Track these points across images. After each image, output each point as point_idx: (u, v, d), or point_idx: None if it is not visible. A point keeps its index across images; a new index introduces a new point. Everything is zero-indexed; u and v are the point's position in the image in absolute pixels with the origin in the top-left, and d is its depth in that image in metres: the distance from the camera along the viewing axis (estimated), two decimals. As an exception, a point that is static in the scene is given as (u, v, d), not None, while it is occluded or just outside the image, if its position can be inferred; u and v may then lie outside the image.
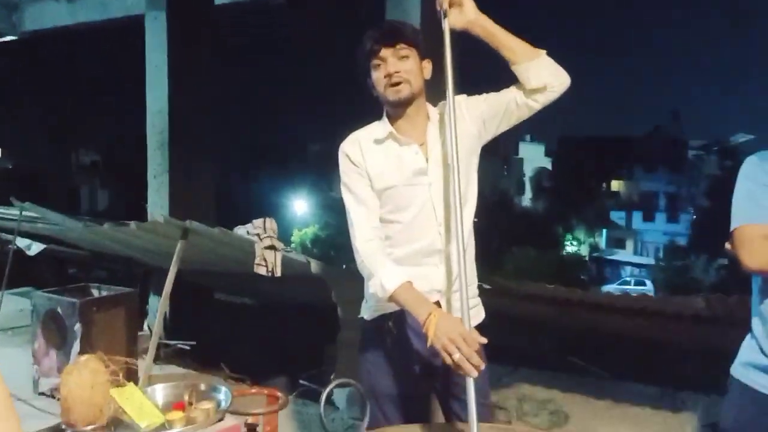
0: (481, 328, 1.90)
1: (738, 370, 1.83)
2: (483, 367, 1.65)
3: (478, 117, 2.00)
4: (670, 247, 32.75)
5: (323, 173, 38.27)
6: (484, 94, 2.02)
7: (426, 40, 1.99)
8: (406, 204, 1.97)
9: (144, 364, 4.45)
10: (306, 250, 30.94)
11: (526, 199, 38.65)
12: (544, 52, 1.95)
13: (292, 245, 30.76)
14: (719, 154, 32.48)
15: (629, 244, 39.26)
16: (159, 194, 5.68)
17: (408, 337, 1.99)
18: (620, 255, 37.67)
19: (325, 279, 3.61)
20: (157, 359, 5.10)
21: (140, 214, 5.96)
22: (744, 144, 36.96)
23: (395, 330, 1.99)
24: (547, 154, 41.07)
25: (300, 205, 34.37)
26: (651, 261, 34.77)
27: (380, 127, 2.02)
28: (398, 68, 1.92)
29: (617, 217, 39.04)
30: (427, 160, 1.97)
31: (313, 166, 36.97)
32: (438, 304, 1.96)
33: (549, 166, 40.23)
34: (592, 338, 4.44)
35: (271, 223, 3.53)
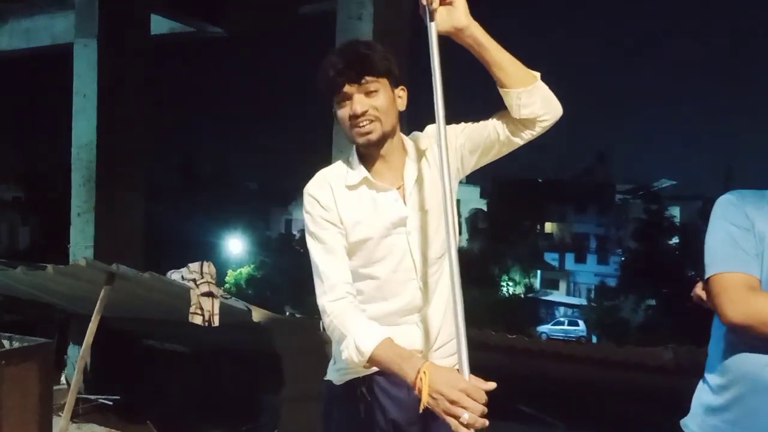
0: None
1: (689, 421, 1.72)
2: (486, 425, 1.39)
3: (457, 150, 1.76)
4: (601, 288, 33.59)
5: (259, 212, 37.71)
6: (463, 124, 1.77)
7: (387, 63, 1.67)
8: (381, 256, 1.72)
9: (60, 424, 4.01)
10: (241, 290, 30.12)
11: (464, 240, 39.08)
12: (538, 75, 1.68)
13: (227, 285, 29.90)
14: (644, 198, 33.81)
15: (562, 285, 40.13)
16: (83, 234, 5.27)
17: (383, 405, 1.74)
18: (554, 296, 38.40)
19: (268, 328, 3.32)
20: (75, 417, 4.65)
21: (63, 256, 5.53)
22: (666, 189, 38.75)
23: (369, 396, 1.74)
24: (482, 195, 41.82)
25: (235, 244, 33.55)
26: (583, 301, 35.56)
27: (352, 171, 1.74)
28: (365, 107, 1.64)
29: (551, 258, 39.93)
30: (405, 204, 1.73)
31: (249, 204, 36.32)
32: None
33: (485, 208, 40.93)
34: (545, 386, 4.27)
35: (208, 267, 3.23)
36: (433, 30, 1.59)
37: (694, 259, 28.38)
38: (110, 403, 4.93)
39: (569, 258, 40.37)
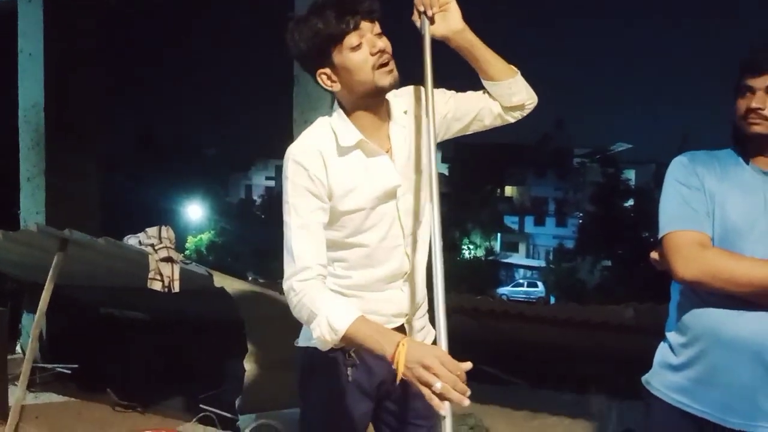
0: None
1: (651, 378, 1.76)
2: (468, 393, 1.34)
3: (440, 115, 1.73)
4: (559, 250, 34.29)
5: (219, 177, 37.10)
6: (451, 91, 1.77)
7: None
8: (371, 225, 1.65)
9: (16, 393, 3.90)
10: (201, 257, 29.81)
11: (424, 204, 39.22)
12: (518, 70, 1.79)
13: (187, 252, 29.52)
14: (601, 162, 34.38)
15: (522, 248, 40.82)
16: (34, 199, 5.05)
17: (369, 366, 1.71)
18: (514, 258, 39.07)
19: (230, 293, 3.24)
20: (32, 386, 4.55)
21: (13, 222, 5.32)
22: (623, 152, 39.45)
23: (358, 358, 1.70)
24: (444, 160, 41.97)
25: (194, 210, 33.03)
26: (542, 263, 36.29)
27: (343, 132, 1.62)
28: (385, 44, 1.56)
29: (511, 221, 40.49)
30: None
31: (209, 169, 35.69)
32: (402, 329, 1.71)
33: (446, 172, 41.13)
34: (508, 347, 4.34)
35: (167, 232, 3.13)
36: (428, 34, 1.64)
37: (649, 221, 29.20)
38: (68, 371, 4.82)
39: (529, 221, 41.02)
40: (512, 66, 1.78)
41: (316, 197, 1.58)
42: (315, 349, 1.68)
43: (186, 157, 34.18)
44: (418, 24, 1.68)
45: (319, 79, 1.62)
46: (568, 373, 4.34)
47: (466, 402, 1.33)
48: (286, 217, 1.59)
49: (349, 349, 1.68)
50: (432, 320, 1.86)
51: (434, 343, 1.84)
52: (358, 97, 1.61)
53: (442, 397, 1.32)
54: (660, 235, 1.67)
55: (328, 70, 1.59)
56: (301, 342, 1.78)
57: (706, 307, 1.63)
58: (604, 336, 3.18)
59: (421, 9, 1.66)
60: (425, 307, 1.82)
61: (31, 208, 5.06)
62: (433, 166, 1.60)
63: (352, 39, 1.54)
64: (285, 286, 1.56)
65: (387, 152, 1.66)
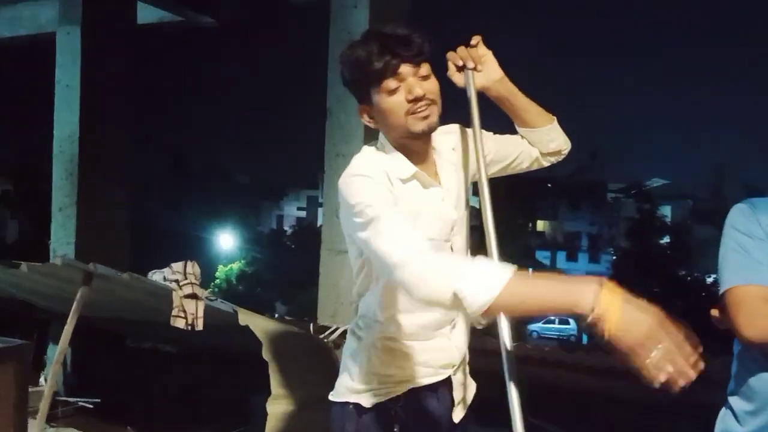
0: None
1: None
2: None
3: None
4: (592, 287, 33.63)
5: (250, 206, 37.46)
6: (489, 132, 1.73)
7: None
8: None
9: (35, 427, 3.83)
10: (231, 286, 29.90)
11: (455, 237, 39.03)
12: (554, 117, 1.79)
13: (217, 281, 29.66)
14: (636, 197, 33.89)
15: (554, 283, 40.16)
16: (65, 229, 5.07)
17: (416, 423, 1.58)
18: (545, 294, 38.44)
19: (255, 332, 3.14)
20: (53, 420, 4.48)
21: (44, 252, 5.34)
22: (658, 188, 38.81)
23: (405, 415, 1.56)
24: (475, 193, 41.83)
25: (225, 239, 33.29)
26: (575, 300, 35.58)
27: (398, 163, 1.54)
28: (424, 90, 1.50)
29: (542, 256, 39.97)
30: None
31: (240, 198, 36.07)
32: (448, 382, 1.62)
33: (477, 205, 40.94)
34: (543, 392, 4.12)
35: (193, 267, 3.05)
36: (473, 87, 1.62)
37: (685, 258, 28.55)
38: (91, 406, 4.75)
39: (561, 256, 40.43)
40: (549, 113, 1.78)
41: (395, 200, 1.44)
42: (356, 405, 1.58)
43: (219, 185, 34.64)
44: (455, 80, 1.66)
45: (359, 113, 1.59)
46: (608, 422, 4.12)
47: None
48: (370, 213, 1.38)
49: (392, 405, 1.56)
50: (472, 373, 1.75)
51: (470, 404, 1.72)
52: (398, 136, 1.56)
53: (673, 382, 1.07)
54: (721, 291, 1.52)
55: (367, 107, 1.56)
56: (337, 396, 1.64)
57: None
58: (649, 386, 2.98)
59: (460, 63, 1.64)
60: (467, 357, 1.73)
61: (62, 238, 5.09)
62: (491, 229, 1.51)
63: (390, 83, 1.49)
64: (398, 255, 1.29)
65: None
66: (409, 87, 1.49)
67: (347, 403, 1.60)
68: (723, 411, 1.61)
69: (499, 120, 1.79)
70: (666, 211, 34.32)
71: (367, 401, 1.59)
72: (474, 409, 1.76)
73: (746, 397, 1.53)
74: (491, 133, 1.75)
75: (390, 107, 1.50)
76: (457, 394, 1.67)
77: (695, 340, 1.11)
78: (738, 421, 1.54)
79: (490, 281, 1.20)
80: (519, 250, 36.56)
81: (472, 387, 1.75)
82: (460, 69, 1.65)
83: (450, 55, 1.66)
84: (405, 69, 1.48)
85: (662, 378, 1.07)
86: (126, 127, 5.48)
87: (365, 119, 1.58)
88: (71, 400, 4.78)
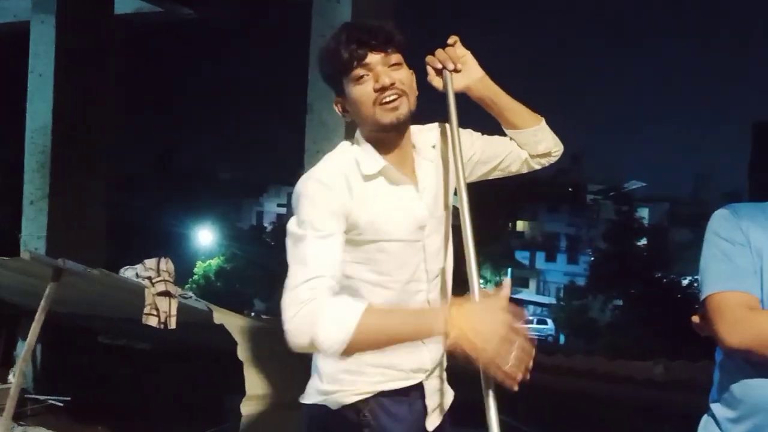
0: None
1: None
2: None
3: (466, 157, 1.63)
4: (570, 288, 33.91)
5: (231, 203, 37.15)
6: (477, 133, 1.69)
7: None
8: (399, 264, 1.51)
9: (1, 425, 3.72)
10: (209, 282, 29.62)
11: (435, 237, 39.10)
12: (542, 118, 1.74)
13: (195, 277, 29.38)
14: (614, 199, 34.20)
15: (532, 283, 40.42)
16: (36, 223, 4.95)
17: (385, 427, 1.53)
18: (524, 294, 38.66)
19: (230, 331, 3.07)
20: (22, 418, 4.37)
21: (15, 245, 5.20)
22: (637, 191, 39.23)
23: (373, 419, 1.52)
24: (455, 192, 41.93)
25: (205, 235, 32.99)
26: (552, 300, 35.86)
27: (367, 159, 1.51)
28: (393, 79, 1.46)
29: (522, 257, 40.18)
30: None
31: (222, 194, 35.77)
32: (420, 387, 1.57)
33: (457, 205, 41.02)
34: (523, 394, 4.10)
35: (166, 264, 2.97)
36: (451, 88, 1.59)
37: (662, 260, 28.87)
38: (61, 404, 4.64)
39: (540, 257, 40.67)
40: (536, 114, 1.73)
41: (336, 217, 1.42)
42: (324, 407, 1.54)
43: (200, 181, 34.30)
44: (435, 84, 1.62)
45: (334, 106, 1.56)
46: (583, 422, 4.12)
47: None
48: (296, 231, 1.40)
49: (361, 408, 1.52)
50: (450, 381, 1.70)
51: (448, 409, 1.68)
52: (369, 129, 1.52)
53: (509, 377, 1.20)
54: (702, 297, 1.49)
55: (341, 99, 1.53)
56: (307, 397, 1.60)
57: (758, 377, 1.44)
58: (629, 388, 2.97)
59: (439, 66, 1.61)
60: (444, 364, 1.67)
61: (33, 233, 4.97)
62: (468, 228, 1.48)
63: (357, 71, 1.46)
64: (288, 297, 1.32)
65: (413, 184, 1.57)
66: (377, 75, 1.46)
67: (316, 405, 1.57)
68: (705, 418, 1.58)
69: (489, 122, 1.75)
70: (644, 213, 34.69)
71: (334, 403, 1.55)
72: (453, 414, 1.72)
73: (728, 404, 1.50)
74: (479, 134, 1.71)
75: (358, 96, 1.47)
76: (431, 401, 1.60)
77: (532, 340, 1.22)
78: (720, 428, 1.52)
79: (343, 322, 1.24)
80: (499, 251, 36.73)
81: (449, 394, 1.70)
82: (439, 72, 1.62)
83: (428, 59, 1.63)
84: (373, 58, 1.46)
85: (518, 378, 1.20)
86: (101, 119, 5.35)
87: (340, 111, 1.56)
88: (41, 398, 4.67)
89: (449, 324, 1.21)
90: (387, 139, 1.52)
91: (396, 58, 1.49)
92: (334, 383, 1.54)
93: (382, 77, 1.45)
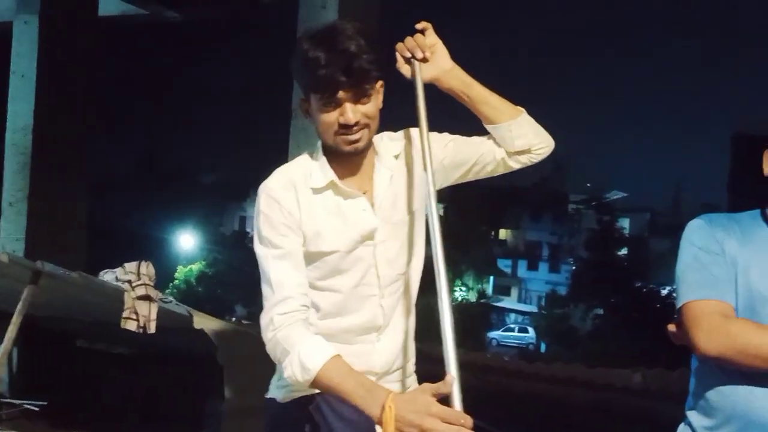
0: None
1: None
2: None
3: (437, 161, 1.61)
4: (551, 296, 34.07)
5: (213, 207, 36.90)
6: (448, 135, 1.65)
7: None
8: (344, 269, 1.53)
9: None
10: (190, 287, 29.36)
11: (418, 244, 39.14)
12: (523, 110, 1.66)
13: (176, 282, 29.10)
14: (596, 209, 34.48)
15: (514, 292, 40.56)
16: (16, 225, 4.90)
17: (331, 426, 1.54)
18: (506, 302, 38.79)
19: (210, 335, 3.06)
20: (-3, 422, 4.30)
21: None
22: (618, 201, 39.60)
23: (316, 416, 1.54)
24: (439, 200, 41.87)
25: (187, 239, 32.72)
26: (534, 309, 36.01)
27: (317, 172, 1.54)
28: (358, 117, 1.46)
29: (504, 265, 40.31)
30: (373, 212, 1.56)
31: (204, 198, 35.52)
32: None
33: (441, 213, 41.09)
34: (503, 401, 4.13)
35: (147, 268, 2.95)
36: (420, 77, 1.58)
37: (642, 270, 29.14)
38: (36, 408, 4.57)
39: (522, 265, 40.83)
40: (516, 106, 1.66)
41: (290, 230, 1.49)
42: (275, 401, 1.58)
43: (183, 185, 34.04)
44: (404, 71, 1.61)
45: (299, 106, 1.56)
46: (563, 428, 4.14)
47: None
48: (259, 251, 1.50)
49: (305, 404, 1.54)
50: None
51: None
52: (326, 144, 1.54)
53: None
54: (678, 305, 1.50)
55: (306, 104, 1.53)
56: (270, 392, 1.63)
57: (734, 384, 1.45)
58: (608, 396, 3.00)
59: (408, 55, 1.60)
60: (409, 369, 1.67)
61: (12, 234, 4.92)
62: (434, 216, 1.49)
63: (326, 101, 1.46)
64: (263, 320, 1.45)
65: (365, 193, 1.56)
66: (343, 111, 1.46)
67: (272, 399, 1.61)
68: (682, 426, 1.59)
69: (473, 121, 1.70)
70: (625, 223, 35.00)
71: (282, 396, 1.59)
72: None
73: (705, 412, 1.52)
74: (452, 137, 1.67)
75: (321, 122, 1.49)
76: None
77: (461, 414, 1.27)
78: None
79: (307, 368, 1.37)
80: (481, 258, 36.85)
81: None
82: (408, 60, 1.60)
83: (398, 46, 1.62)
84: (343, 94, 1.45)
85: None
86: (83, 121, 5.31)
87: (303, 113, 1.56)
88: (16, 402, 4.60)
89: (384, 412, 1.28)
90: (345, 153, 1.53)
91: (367, 91, 1.47)
92: (284, 378, 1.56)
93: (348, 114, 1.45)
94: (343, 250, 1.52)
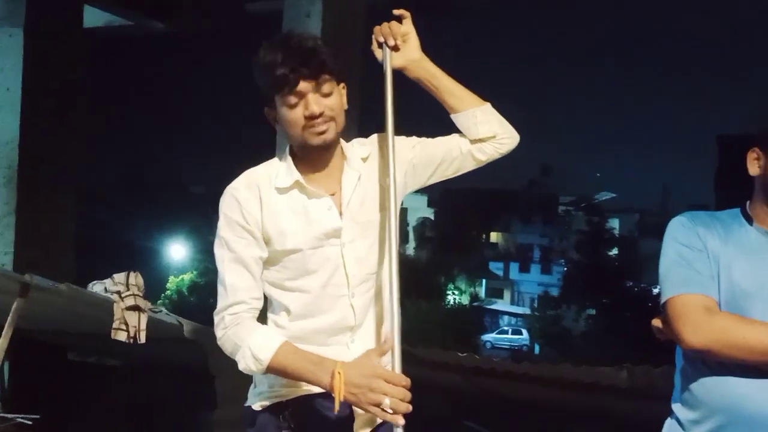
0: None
1: None
2: (410, 409, 1.41)
3: (406, 162, 1.67)
4: (544, 298, 34.16)
5: (204, 217, 36.80)
6: (415, 137, 1.71)
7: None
8: (312, 269, 1.57)
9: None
10: (182, 298, 29.23)
11: (410, 249, 39.20)
12: (488, 102, 1.72)
13: (168, 292, 28.96)
14: (586, 210, 34.66)
15: (507, 294, 40.64)
16: (3, 239, 4.88)
17: (309, 430, 1.57)
18: (498, 304, 38.84)
19: (201, 345, 3.07)
20: (-12, 437, 4.27)
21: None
22: (607, 201, 39.83)
23: (292, 422, 1.56)
24: (430, 204, 42.07)
25: (177, 249, 32.58)
26: (527, 311, 36.08)
27: (283, 172, 1.59)
28: (322, 107, 1.51)
29: (496, 267, 40.40)
30: (341, 214, 1.59)
31: (195, 207, 35.42)
32: None
33: (432, 217, 41.13)
34: (494, 404, 4.15)
35: (136, 278, 2.96)
36: (389, 64, 1.65)
37: (632, 270, 29.28)
38: (29, 422, 4.54)
39: (514, 267, 40.94)
40: (481, 99, 1.71)
41: (249, 233, 1.55)
42: (252, 409, 1.62)
43: (172, 195, 33.93)
44: (376, 54, 1.69)
45: (267, 116, 1.60)
46: (552, 429, 4.16)
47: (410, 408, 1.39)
48: (217, 251, 1.58)
49: (281, 410, 1.57)
50: None
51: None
52: (295, 145, 1.59)
53: (395, 412, 1.38)
54: (662, 301, 1.54)
55: (272, 112, 1.58)
56: (248, 401, 1.67)
57: (717, 376, 1.49)
58: (595, 396, 3.03)
59: (381, 40, 1.67)
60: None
61: (0, 249, 4.88)
62: (392, 210, 1.56)
63: (289, 98, 1.51)
64: (216, 318, 1.55)
65: (333, 195, 1.60)
66: (307, 103, 1.50)
67: (250, 407, 1.64)
68: (668, 421, 1.62)
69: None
70: (614, 224, 35.18)
71: (257, 404, 1.61)
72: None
73: (690, 405, 1.55)
74: (418, 138, 1.72)
75: (287, 119, 1.53)
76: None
77: (405, 380, 1.43)
78: (683, 428, 1.56)
79: (258, 357, 1.47)
80: (473, 261, 36.91)
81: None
82: (381, 45, 1.67)
83: (375, 29, 1.68)
84: (304, 85, 1.49)
85: (400, 421, 1.39)
86: (70, 134, 5.31)
87: (271, 121, 1.59)
88: (9, 416, 4.56)
89: (334, 378, 1.40)
90: (314, 153, 1.57)
91: (327, 85, 1.52)
92: (261, 385, 1.62)
93: (312, 106, 1.50)
94: (306, 248, 1.55)
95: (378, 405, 1.38)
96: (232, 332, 1.51)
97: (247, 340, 1.48)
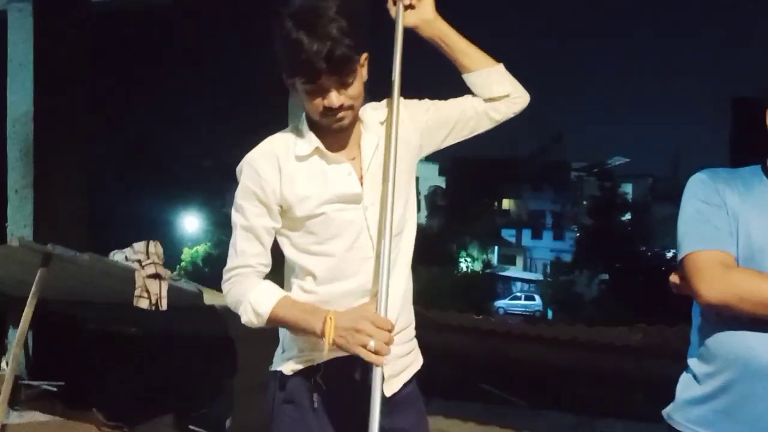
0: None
1: (673, 412, 1.60)
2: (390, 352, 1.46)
3: (421, 124, 1.67)
4: (556, 264, 34.18)
5: (216, 188, 36.93)
6: (428, 100, 1.71)
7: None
8: (336, 233, 1.58)
9: (-2, 412, 3.76)
10: (197, 269, 29.53)
11: (422, 217, 39.26)
12: (501, 63, 1.73)
13: (183, 264, 29.26)
14: (598, 176, 34.38)
15: (519, 261, 40.67)
16: (21, 211, 4.94)
17: (343, 396, 1.60)
18: (511, 271, 38.92)
19: (221, 311, 3.13)
20: (17, 404, 4.41)
21: (2, 234, 5.20)
22: (620, 166, 39.47)
23: (324, 385, 1.59)
24: (441, 173, 41.94)
25: (191, 222, 32.82)
26: (539, 276, 36.14)
27: (302, 140, 1.59)
28: (342, 100, 1.50)
29: (508, 234, 40.35)
30: (361, 178, 1.60)
31: (206, 180, 35.54)
32: None
33: (443, 185, 41.03)
34: (509, 367, 4.21)
35: (155, 247, 3.01)
36: (401, 23, 1.65)
37: (646, 235, 29.15)
38: (54, 389, 4.68)
39: (526, 234, 40.88)
40: (493, 60, 1.72)
41: (263, 204, 1.59)
42: (280, 372, 1.64)
43: (182, 168, 34.02)
44: (391, 12, 1.68)
45: (285, 80, 1.58)
46: (569, 393, 4.21)
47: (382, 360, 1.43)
48: (234, 215, 1.64)
49: (312, 374, 1.60)
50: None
51: (415, 377, 1.75)
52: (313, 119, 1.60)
53: (378, 353, 1.42)
54: (680, 257, 1.54)
55: (291, 80, 1.55)
56: (275, 365, 1.69)
57: (732, 331, 1.50)
58: (609, 357, 3.07)
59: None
60: (409, 333, 1.71)
61: (19, 221, 4.96)
62: (391, 167, 1.57)
63: (309, 86, 1.49)
64: (224, 275, 1.62)
65: (353, 160, 1.61)
66: (327, 96, 1.50)
67: (276, 372, 1.65)
68: (684, 375, 1.64)
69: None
70: (627, 188, 34.93)
71: (288, 369, 1.63)
72: (419, 384, 1.75)
73: (705, 359, 1.56)
74: (431, 101, 1.71)
75: (305, 102, 1.54)
76: (388, 368, 1.57)
77: (390, 323, 1.47)
78: (699, 383, 1.57)
79: (259, 312, 1.53)
80: (485, 229, 36.90)
81: (414, 362, 1.73)
82: (395, 2, 1.66)
83: None
84: (325, 80, 1.47)
85: (380, 361, 1.43)
86: (83, 107, 5.33)
87: (288, 85, 1.57)
88: (34, 383, 4.70)
89: (326, 324, 1.45)
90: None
91: (351, 77, 1.50)
92: (290, 350, 1.64)
93: (332, 99, 1.49)
94: (329, 211, 1.56)
95: (364, 346, 1.42)
96: (236, 288, 1.58)
97: (247, 295, 1.54)
